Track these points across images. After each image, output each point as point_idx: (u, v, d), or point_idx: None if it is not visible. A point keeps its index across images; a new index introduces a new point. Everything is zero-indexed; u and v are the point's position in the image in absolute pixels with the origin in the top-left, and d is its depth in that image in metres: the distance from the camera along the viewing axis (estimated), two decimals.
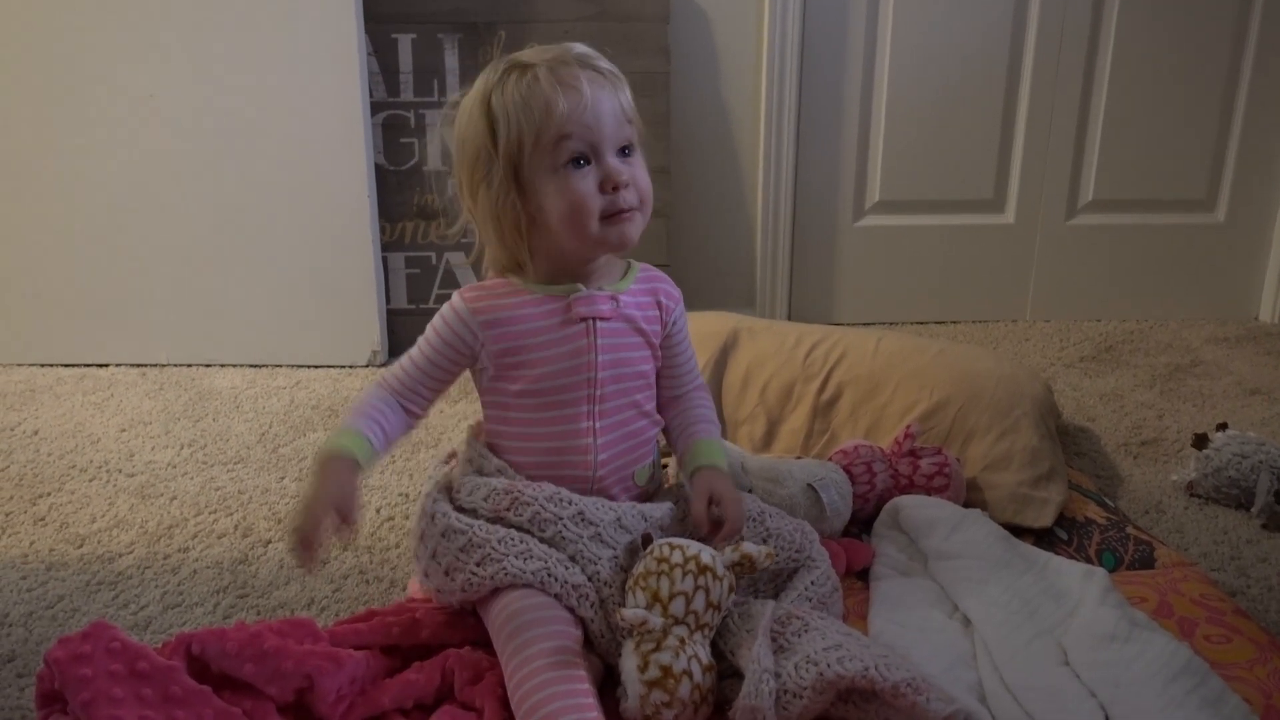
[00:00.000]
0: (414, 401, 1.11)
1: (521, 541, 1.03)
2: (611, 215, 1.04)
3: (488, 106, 1.05)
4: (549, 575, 1.01)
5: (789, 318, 2.37)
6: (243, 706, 0.93)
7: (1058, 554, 1.27)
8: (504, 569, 1.00)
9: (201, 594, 1.26)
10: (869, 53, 2.24)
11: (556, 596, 1.00)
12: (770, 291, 2.36)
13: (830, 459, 1.38)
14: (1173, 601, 1.14)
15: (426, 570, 1.08)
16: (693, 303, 2.12)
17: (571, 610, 1.00)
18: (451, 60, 2.08)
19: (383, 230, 2.12)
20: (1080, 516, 1.35)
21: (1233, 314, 2.42)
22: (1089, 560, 1.27)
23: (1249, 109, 2.29)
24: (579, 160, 1.03)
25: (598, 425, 1.10)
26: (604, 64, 1.08)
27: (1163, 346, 2.20)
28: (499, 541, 1.02)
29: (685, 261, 2.29)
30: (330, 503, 0.98)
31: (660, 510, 1.11)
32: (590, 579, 1.03)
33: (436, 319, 1.10)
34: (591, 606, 1.01)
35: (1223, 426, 1.54)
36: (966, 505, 1.35)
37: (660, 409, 1.18)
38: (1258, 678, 1.00)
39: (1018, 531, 1.33)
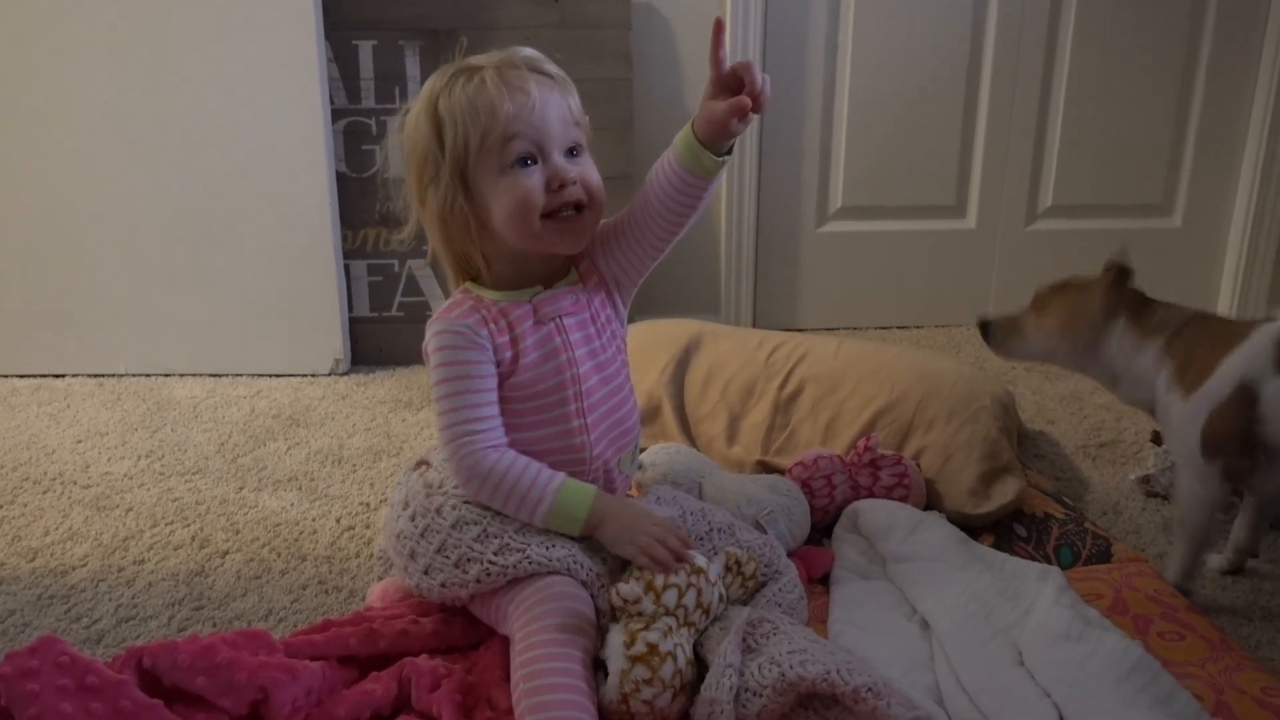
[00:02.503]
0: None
1: (540, 531, 1.04)
2: (556, 212, 1.04)
3: (434, 110, 1.04)
4: (575, 562, 1.03)
5: (753, 324, 2.38)
6: None
7: (1016, 551, 1.29)
8: (528, 557, 1.02)
9: (157, 606, 1.24)
10: (830, 60, 2.26)
11: (584, 584, 1.02)
12: (734, 298, 2.36)
13: (790, 472, 1.39)
14: (1128, 598, 1.15)
15: (428, 567, 1.07)
16: (656, 310, 2.13)
17: (593, 599, 1.02)
18: (413, 67, 2.07)
19: (344, 238, 2.11)
20: (1040, 512, 1.36)
21: None
22: (1047, 556, 1.29)
23: (1204, 115, 2.33)
24: (526, 160, 1.03)
25: (589, 421, 1.10)
26: (551, 68, 1.08)
27: None
28: (516, 531, 1.04)
29: None
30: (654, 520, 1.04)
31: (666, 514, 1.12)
32: (604, 562, 1.05)
33: (448, 354, 1.04)
34: (605, 599, 1.03)
35: None
36: (927, 494, 1.38)
37: (641, 207, 1.09)
38: (1209, 675, 1.01)
39: (977, 528, 1.34)
